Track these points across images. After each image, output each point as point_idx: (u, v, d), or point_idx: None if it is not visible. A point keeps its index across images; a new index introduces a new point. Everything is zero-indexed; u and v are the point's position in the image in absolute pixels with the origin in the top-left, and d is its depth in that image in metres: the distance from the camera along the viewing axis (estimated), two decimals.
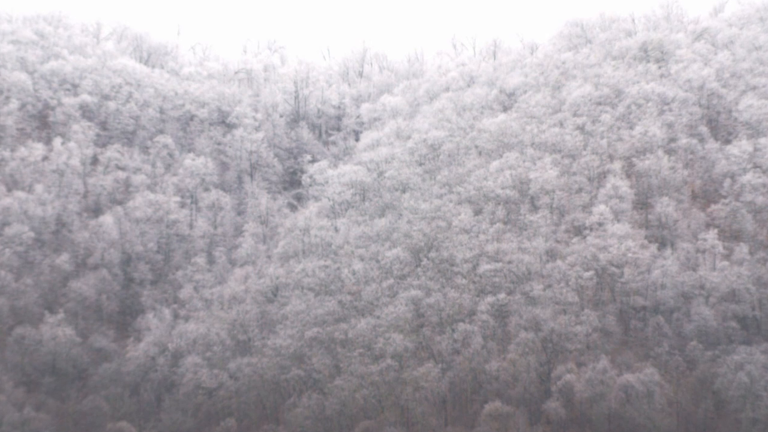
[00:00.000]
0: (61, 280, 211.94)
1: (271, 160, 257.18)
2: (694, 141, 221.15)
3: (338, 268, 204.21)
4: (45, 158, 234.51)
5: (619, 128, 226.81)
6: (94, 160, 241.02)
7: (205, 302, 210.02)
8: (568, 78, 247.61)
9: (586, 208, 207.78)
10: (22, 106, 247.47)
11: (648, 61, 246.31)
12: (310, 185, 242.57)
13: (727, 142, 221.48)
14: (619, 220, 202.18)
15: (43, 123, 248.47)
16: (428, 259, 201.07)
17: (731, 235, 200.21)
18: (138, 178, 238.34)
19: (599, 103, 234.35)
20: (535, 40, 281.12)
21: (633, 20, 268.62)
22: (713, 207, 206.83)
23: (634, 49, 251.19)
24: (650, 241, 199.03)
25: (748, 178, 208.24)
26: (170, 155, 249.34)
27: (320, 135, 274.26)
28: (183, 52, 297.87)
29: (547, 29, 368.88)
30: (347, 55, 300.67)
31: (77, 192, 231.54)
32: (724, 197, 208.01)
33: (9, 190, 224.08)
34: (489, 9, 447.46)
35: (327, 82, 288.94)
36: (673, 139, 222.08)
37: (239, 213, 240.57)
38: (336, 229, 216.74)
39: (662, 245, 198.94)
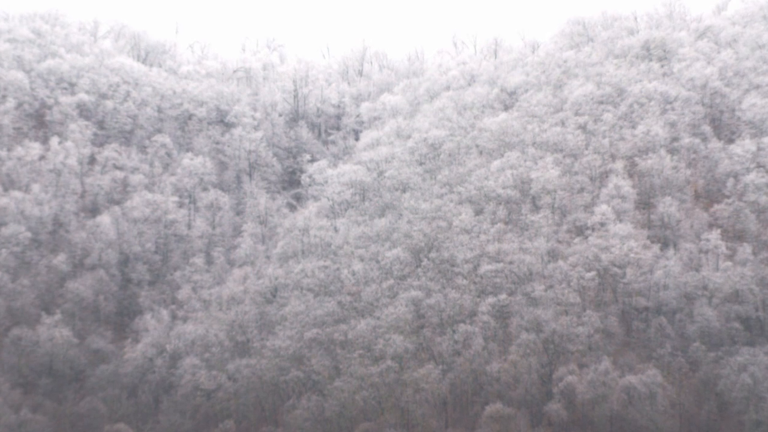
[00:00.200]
0: (58, 280, 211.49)
1: (270, 159, 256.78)
2: (697, 140, 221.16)
3: (338, 269, 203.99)
4: (42, 158, 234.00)
5: (621, 127, 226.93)
6: (92, 160, 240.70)
7: (204, 303, 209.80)
8: (569, 77, 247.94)
9: (588, 208, 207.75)
10: (19, 105, 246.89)
11: (650, 60, 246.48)
12: (310, 185, 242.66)
13: (730, 141, 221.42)
14: (621, 220, 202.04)
15: (40, 122, 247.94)
16: (429, 259, 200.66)
17: (734, 236, 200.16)
18: (136, 178, 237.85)
19: (601, 102, 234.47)
20: (537, 39, 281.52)
21: (635, 18, 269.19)
22: (716, 207, 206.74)
23: (636, 48, 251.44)
24: (653, 242, 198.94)
25: (752, 177, 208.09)
26: (168, 155, 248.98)
27: (320, 134, 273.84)
28: (181, 50, 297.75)
29: (548, 27, 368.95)
30: (347, 53, 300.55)
31: (74, 192, 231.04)
32: (727, 197, 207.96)
33: (5, 189, 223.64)
34: (490, 7, 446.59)
35: (326, 80, 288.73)
36: (675, 139, 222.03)
37: (238, 213, 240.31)
38: (335, 230, 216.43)
39: (665, 245, 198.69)
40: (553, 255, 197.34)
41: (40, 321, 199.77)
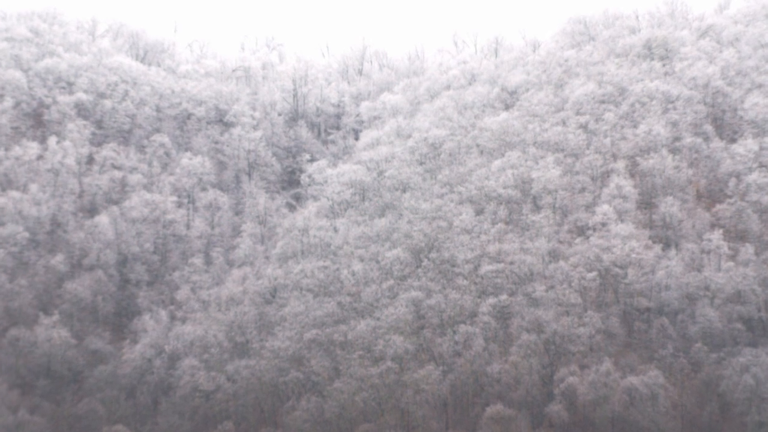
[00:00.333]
0: (56, 281, 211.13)
1: (270, 159, 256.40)
2: (699, 140, 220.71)
3: (337, 269, 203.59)
4: (40, 157, 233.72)
5: (622, 127, 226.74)
6: (90, 160, 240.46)
7: (203, 304, 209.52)
8: (570, 76, 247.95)
9: (590, 207, 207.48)
10: (17, 105, 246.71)
11: (652, 59, 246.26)
12: (309, 185, 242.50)
13: (733, 140, 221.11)
14: (622, 220, 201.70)
15: (37, 121, 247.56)
16: (429, 259, 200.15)
17: (736, 236, 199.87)
18: (134, 178, 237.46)
19: (602, 102, 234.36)
20: (538, 38, 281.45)
21: (637, 17, 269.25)
22: (718, 207, 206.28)
23: (638, 47, 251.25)
24: (654, 242, 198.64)
25: (754, 177, 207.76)
26: (167, 154, 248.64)
27: (319, 134, 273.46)
28: (180, 49, 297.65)
29: (549, 26, 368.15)
30: (347, 52, 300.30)
31: (72, 192, 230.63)
32: (730, 197, 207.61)
33: (3, 189, 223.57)
34: (491, 5, 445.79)
35: (326, 80, 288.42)
36: (677, 138, 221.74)
37: (237, 213, 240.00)
38: (335, 230, 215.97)
39: (666, 246, 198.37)
40: (554, 255, 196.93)
41: (38, 322, 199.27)
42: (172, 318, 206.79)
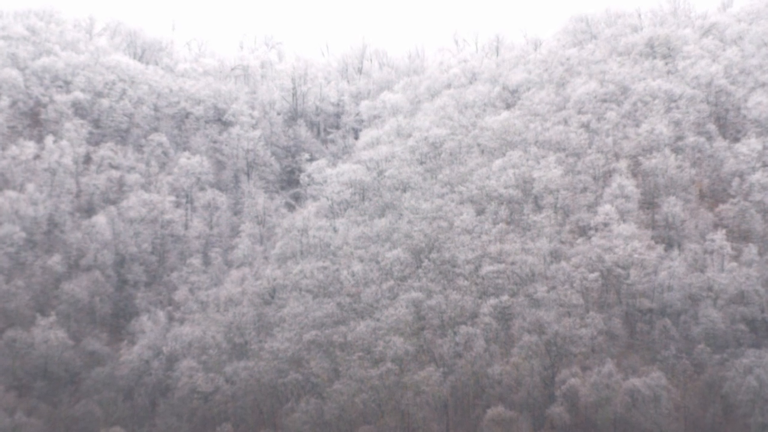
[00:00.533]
0: (53, 281, 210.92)
1: (269, 158, 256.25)
2: (702, 139, 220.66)
3: (337, 270, 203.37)
4: (37, 157, 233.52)
5: (624, 126, 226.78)
6: (87, 159, 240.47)
7: (201, 304, 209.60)
8: (572, 74, 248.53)
9: (591, 207, 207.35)
10: (13, 104, 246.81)
11: (654, 58, 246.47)
12: (309, 184, 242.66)
13: (736, 140, 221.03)
14: (624, 220, 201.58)
15: (34, 121, 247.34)
16: (429, 260, 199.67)
17: (740, 236, 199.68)
18: (132, 177, 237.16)
19: (604, 101, 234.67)
20: (539, 36, 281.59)
21: (639, 15, 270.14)
22: (721, 207, 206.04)
23: (640, 45, 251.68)
24: (657, 242, 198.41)
25: (757, 177, 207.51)
26: (165, 154, 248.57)
27: (319, 133, 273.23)
28: (178, 48, 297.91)
29: (551, 25, 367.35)
30: (346, 51, 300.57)
31: (70, 191, 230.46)
32: (733, 197, 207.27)
33: (0, 189, 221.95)
34: (492, 4, 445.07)
35: (325, 78, 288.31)
36: (680, 138, 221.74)
37: (236, 213, 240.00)
38: (335, 230, 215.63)
39: (669, 246, 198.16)
40: (555, 255, 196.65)
41: (34, 323, 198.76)
42: (170, 319, 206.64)
